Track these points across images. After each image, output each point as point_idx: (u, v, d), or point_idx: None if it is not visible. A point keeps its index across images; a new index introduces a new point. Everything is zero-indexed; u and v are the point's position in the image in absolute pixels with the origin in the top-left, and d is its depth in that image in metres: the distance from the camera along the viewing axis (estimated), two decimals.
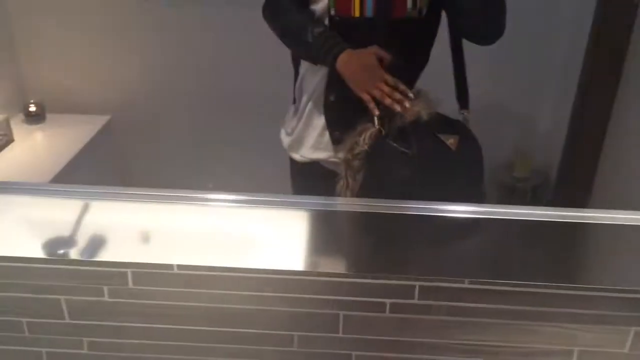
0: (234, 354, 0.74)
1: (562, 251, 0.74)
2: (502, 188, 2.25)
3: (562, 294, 0.68)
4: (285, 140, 1.36)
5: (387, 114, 1.10)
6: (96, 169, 2.23)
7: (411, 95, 1.09)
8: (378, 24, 1.10)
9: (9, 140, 2.09)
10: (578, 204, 1.68)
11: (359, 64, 1.11)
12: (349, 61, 1.11)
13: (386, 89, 1.10)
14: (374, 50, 1.10)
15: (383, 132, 1.10)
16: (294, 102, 1.35)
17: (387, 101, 1.09)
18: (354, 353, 0.74)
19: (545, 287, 0.68)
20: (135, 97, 2.36)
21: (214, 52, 2.23)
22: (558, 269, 0.71)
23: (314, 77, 1.23)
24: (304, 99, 1.26)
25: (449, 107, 1.20)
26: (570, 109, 1.98)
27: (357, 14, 1.10)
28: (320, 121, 1.24)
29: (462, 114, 1.19)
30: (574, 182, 2.02)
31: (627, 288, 0.68)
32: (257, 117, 2.08)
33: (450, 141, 1.07)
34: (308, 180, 1.35)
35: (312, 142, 1.28)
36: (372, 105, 1.10)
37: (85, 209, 0.79)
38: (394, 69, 1.13)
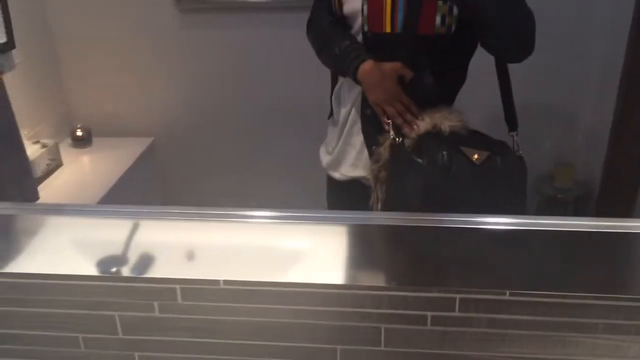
0: None
1: (604, 262, 0.74)
2: (544, 199, 2.22)
3: (603, 305, 0.68)
4: (325, 159, 1.39)
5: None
6: (141, 189, 2.30)
7: (420, 117, 1.11)
8: (406, 40, 1.12)
9: (58, 164, 2.18)
10: (621, 216, 1.65)
11: (378, 76, 1.14)
12: (369, 72, 1.15)
13: (400, 107, 1.13)
14: (396, 66, 1.12)
15: (397, 141, 1.12)
16: (331, 115, 1.38)
17: (398, 120, 1.12)
18: None
19: (586, 298, 0.68)
20: (177, 119, 2.43)
21: (252, 71, 2.28)
22: (599, 280, 0.71)
23: (350, 92, 1.26)
24: (342, 114, 1.29)
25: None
26: (612, 118, 1.95)
27: (387, 29, 1.13)
28: (359, 139, 1.27)
29: (512, 136, 1.19)
30: (617, 194, 1.98)
31: None
32: (295, 134, 2.12)
33: (475, 156, 1.07)
34: (346, 197, 1.38)
35: (352, 161, 1.30)
36: (385, 117, 1.13)
37: (134, 228, 0.83)
38: (425, 85, 1.15)
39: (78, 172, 2.23)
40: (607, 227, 0.76)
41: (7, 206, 0.74)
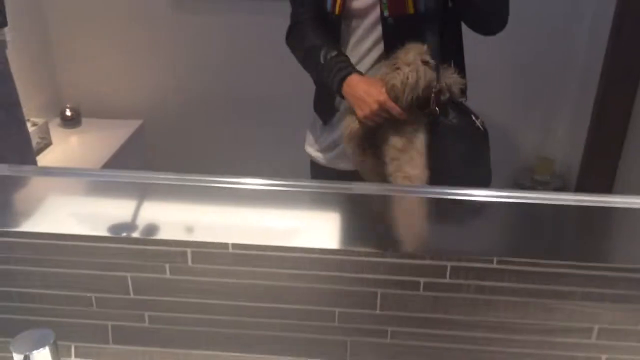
0: (280, 327, 0.81)
1: (584, 233, 0.80)
2: (523, 191, 2.30)
3: (582, 274, 0.75)
4: (329, 154, 1.43)
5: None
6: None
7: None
8: (431, 19, 1.20)
9: (48, 143, 2.19)
10: None
11: (363, 92, 1.18)
12: (354, 86, 1.18)
13: (380, 121, 1.19)
14: (379, 99, 1.17)
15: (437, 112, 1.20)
16: (316, 109, 1.42)
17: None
18: (389, 329, 0.80)
19: (566, 266, 0.74)
20: (166, 102, 2.46)
21: (242, 57, 2.32)
22: (577, 249, 0.78)
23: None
24: (342, 108, 1.33)
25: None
26: (590, 115, 2.03)
27: (411, 11, 1.19)
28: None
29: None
30: (594, 186, 2.07)
31: None
32: (284, 119, 2.16)
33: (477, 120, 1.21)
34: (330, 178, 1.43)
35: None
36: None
37: (141, 194, 0.88)
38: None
39: (67, 152, 2.25)
40: (584, 201, 0.83)
41: (28, 169, 0.77)
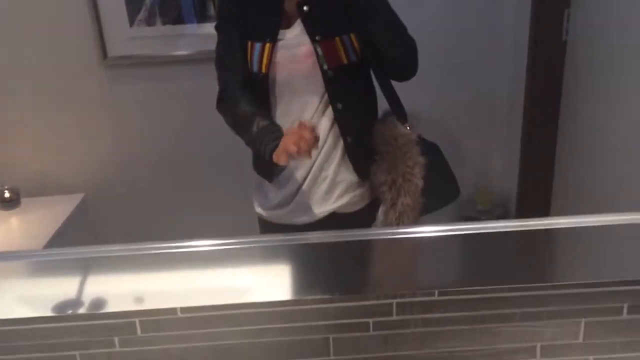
0: None
1: (520, 256, 0.85)
2: (468, 220, 2.38)
3: (519, 296, 0.79)
4: (277, 212, 1.41)
5: None
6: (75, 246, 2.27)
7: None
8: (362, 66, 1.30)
9: None
10: None
11: (289, 138, 1.17)
12: (282, 143, 1.18)
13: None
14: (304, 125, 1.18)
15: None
16: (257, 170, 1.44)
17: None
18: None
19: (503, 290, 0.78)
20: (107, 173, 2.43)
21: (182, 123, 2.33)
22: (515, 271, 0.82)
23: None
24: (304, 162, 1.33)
25: None
26: (519, 150, 2.16)
27: (345, 61, 1.27)
28: (331, 169, 1.33)
29: (407, 126, 1.37)
30: (532, 209, 2.17)
31: (573, 283, 0.78)
32: (229, 181, 2.17)
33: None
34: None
35: (322, 195, 1.35)
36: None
37: (86, 269, 0.87)
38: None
39: (7, 235, 2.18)
40: (521, 226, 0.88)
41: None
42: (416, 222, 1.34)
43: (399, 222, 1.32)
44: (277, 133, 1.22)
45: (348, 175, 1.34)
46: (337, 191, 1.34)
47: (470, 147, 2.42)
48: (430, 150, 1.38)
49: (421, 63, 1.31)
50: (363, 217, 1.37)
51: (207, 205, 2.38)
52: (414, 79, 1.32)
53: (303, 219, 1.38)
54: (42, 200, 2.36)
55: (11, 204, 2.31)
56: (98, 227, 2.43)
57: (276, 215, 1.42)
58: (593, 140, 1.74)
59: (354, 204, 1.36)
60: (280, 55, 1.27)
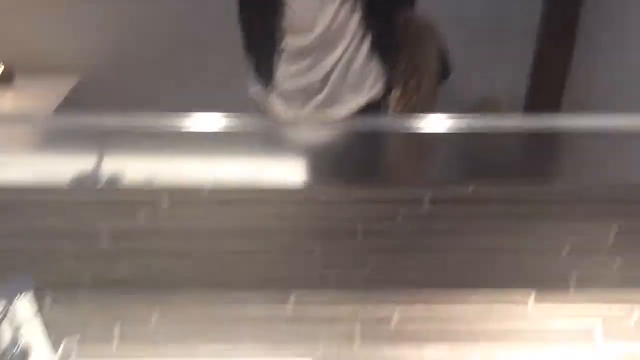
0: (266, 262, 0.80)
1: (555, 156, 0.83)
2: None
3: (548, 197, 0.77)
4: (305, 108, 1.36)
5: None
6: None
7: None
8: None
9: None
10: None
11: None
12: None
13: None
14: None
15: None
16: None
17: None
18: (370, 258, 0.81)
19: (537, 192, 0.77)
20: (103, 57, 2.35)
21: (186, 13, 2.23)
22: (549, 173, 0.81)
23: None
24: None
25: None
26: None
27: None
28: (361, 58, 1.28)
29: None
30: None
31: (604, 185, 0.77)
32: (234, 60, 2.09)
33: None
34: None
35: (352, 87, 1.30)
36: None
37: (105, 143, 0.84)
38: None
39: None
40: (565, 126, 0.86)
41: None
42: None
43: (412, 110, 1.32)
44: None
45: (376, 66, 1.30)
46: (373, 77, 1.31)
47: (474, 57, 2.36)
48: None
49: None
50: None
51: (212, 81, 2.31)
52: None
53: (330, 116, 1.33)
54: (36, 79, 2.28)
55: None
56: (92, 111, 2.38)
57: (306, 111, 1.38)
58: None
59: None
60: None
